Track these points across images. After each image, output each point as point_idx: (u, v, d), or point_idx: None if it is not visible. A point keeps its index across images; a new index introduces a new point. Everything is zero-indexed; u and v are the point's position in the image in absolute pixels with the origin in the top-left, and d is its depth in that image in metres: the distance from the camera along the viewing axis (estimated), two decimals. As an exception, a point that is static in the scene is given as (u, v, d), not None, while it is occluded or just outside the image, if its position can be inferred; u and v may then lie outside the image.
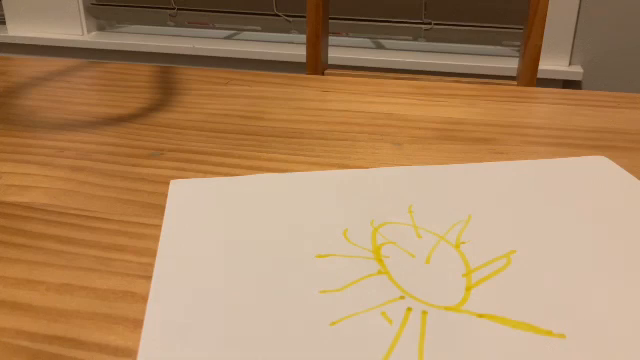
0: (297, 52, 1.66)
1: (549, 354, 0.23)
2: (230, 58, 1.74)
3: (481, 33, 1.63)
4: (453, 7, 1.63)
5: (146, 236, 0.32)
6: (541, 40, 0.80)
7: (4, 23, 1.91)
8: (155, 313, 0.25)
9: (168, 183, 0.37)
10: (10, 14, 1.84)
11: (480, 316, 0.25)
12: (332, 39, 1.76)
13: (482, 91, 0.56)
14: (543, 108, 0.51)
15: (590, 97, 0.54)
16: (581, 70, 1.52)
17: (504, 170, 0.39)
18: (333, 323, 0.25)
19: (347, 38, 1.77)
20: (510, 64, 1.55)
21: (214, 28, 1.87)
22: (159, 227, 0.33)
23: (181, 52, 1.74)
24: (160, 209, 0.35)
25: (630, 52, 1.51)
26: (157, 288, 0.27)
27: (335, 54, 1.63)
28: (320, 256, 0.29)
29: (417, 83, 0.58)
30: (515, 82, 0.84)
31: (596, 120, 0.49)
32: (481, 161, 0.41)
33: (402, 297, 0.26)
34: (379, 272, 0.28)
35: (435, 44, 1.72)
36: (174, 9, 1.83)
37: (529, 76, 0.82)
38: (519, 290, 0.27)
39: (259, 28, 1.85)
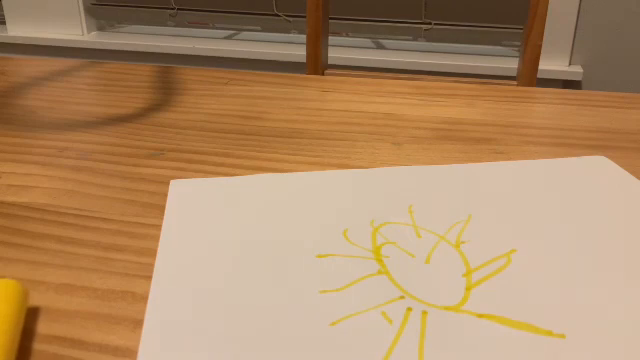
0: (297, 52, 1.66)
1: (549, 354, 0.23)
2: (230, 58, 1.74)
3: (481, 33, 1.63)
4: (453, 7, 1.63)
5: (146, 236, 0.32)
6: (541, 40, 0.80)
7: (4, 23, 1.91)
8: (155, 313, 0.25)
9: (168, 183, 0.37)
10: (10, 14, 1.84)
11: (480, 316, 0.25)
12: (332, 39, 1.76)
13: (482, 91, 0.56)
14: (543, 108, 0.51)
15: (590, 97, 0.54)
16: (581, 70, 1.52)
17: (504, 170, 0.39)
18: (333, 323, 0.25)
19: (347, 38, 1.77)
20: (510, 64, 1.55)
21: (214, 28, 1.87)
22: (159, 227, 0.33)
23: (181, 52, 1.74)
24: (160, 209, 0.35)
25: (630, 52, 1.51)
26: (157, 288, 0.27)
27: (335, 54, 1.63)
28: (320, 256, 0.29)
29: (417, 83, 0.58)
30: (515, 82, 0.84)
31: (596, 120, 0.49)
32: (481, 161, 0.41)
33: (402, 297, 0.26)
34: (379, 272, 0.28)
35: (435, 44, 1.72)
36: (174, 9, 1.82)
37: (529, 76, 0.82)
38: (519, 290, 0.27)
39: (259, 28, 1.85)
